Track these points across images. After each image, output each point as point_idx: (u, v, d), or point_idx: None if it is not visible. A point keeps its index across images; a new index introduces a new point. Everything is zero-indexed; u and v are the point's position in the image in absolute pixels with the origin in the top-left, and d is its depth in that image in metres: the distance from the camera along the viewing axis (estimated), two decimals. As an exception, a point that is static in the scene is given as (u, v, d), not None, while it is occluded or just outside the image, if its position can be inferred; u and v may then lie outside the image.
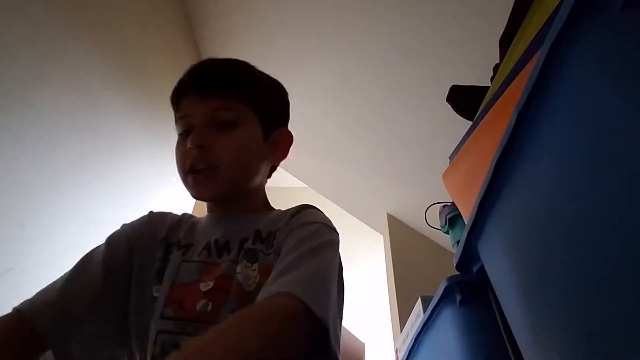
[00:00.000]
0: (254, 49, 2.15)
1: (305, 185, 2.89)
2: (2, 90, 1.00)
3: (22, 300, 0.52)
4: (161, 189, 1.87)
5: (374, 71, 1.93)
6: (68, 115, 1.26)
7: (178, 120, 0.64)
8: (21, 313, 0.48)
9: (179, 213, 0.69)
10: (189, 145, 0.58)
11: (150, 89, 1.79)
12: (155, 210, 0.67)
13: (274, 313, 0.40)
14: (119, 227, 0.63)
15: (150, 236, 0.61)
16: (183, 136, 0.62)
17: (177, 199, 2.07)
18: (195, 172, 0.59)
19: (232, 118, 0.61)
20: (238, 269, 0.54)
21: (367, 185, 2.58)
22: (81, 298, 0.52)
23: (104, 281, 0.54)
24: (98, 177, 1.42)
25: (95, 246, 0.61)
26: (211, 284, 0.53)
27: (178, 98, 0.65)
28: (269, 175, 0.72)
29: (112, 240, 0.60)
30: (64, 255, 1.23)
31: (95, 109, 1.41)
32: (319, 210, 0.63)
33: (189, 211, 2.50)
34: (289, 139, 0.70)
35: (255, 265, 0.54)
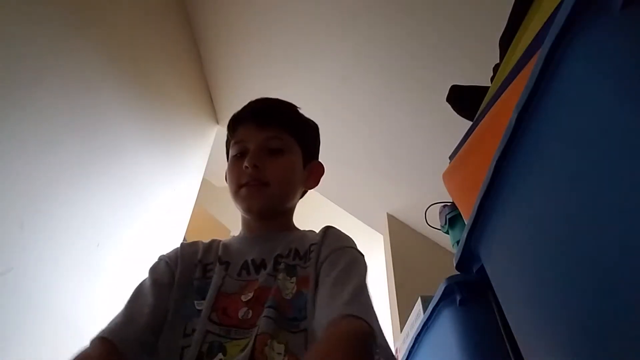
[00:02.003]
0: (254, 48, 2.15)
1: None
2: (1, 90, 1.00)
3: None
4: (161, 189, 1.87)
5: (374, 71, 1.93)
6: (68, 115, 1.26)
7: (234, 144, 0.75)
8: (104, 339, 0.55)
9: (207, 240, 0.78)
10: (245, 164, 0.69)
11: (149, 88, 1.79)
12: (185, 242, 0.76)
13: (354, 333, 0.48)
14: (156, 259, 0.71)
15: (186, 259, 0.69)
16: (237, 157, 0.73)
17: (176, 200, 2.07)
18: (248, 186, 0.69)
19: (281, 146, 0.73)
20: (279, 277, 0.62)
21: (367, 185, 2.59)
22: (142, 313, 0.59)
23: (155, 298, 0.62)
24: (98, 177, 1.42)
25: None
26: (251, 294, 0.60)
27: (236, 125, 0.77)
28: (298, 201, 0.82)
29: (153, 268, 0.68)
30: (64, 256, 1.23)
31: (94, 109, 1.41)
32: (341, 230, 0.72)
33: (186, 219, 2.48)
34: (321, 170, 0.82)
35: (294, 279, 0.62)
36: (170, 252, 0.72)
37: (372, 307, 0.55)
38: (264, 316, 0.55)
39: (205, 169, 2.48)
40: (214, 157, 2.50)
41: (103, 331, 0.56)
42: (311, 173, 0.80)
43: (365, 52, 1.87)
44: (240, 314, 0.58)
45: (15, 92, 1.04)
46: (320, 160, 0.83)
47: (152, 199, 1.77)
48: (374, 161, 2.39)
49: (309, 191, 0.81)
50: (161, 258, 0.70)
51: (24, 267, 1.08)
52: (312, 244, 0.66)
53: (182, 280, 0.65)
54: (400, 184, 2.42)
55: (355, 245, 0.68)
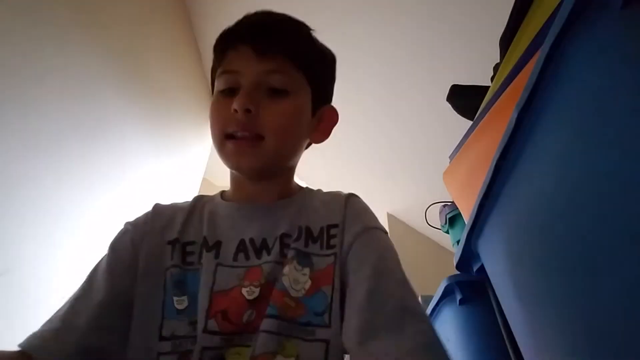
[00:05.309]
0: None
1: (305, 185, 2.89)
2: (3, 88, 1.00)
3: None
4: (163, 187, 1.87)
5: (375, 71, 1.93)
6: (68, 114, 1.26)
7: (221, 74, 0.55)
8: (24, 353, 0.43)
9: (189, 200, 0.60)
10: (234, 107, 0.50)
11: (150, 87, 1.79)
12: (160, 202, 0.59)
13: None
14: (121, 227, 0.56)
15: (155, 236, 0.53)
16: (225, 94, 0.54)
17: (178, 195, 2.07)
18: (236, 139, 0.52)
19: (285, 85, 0.54)
20: (286, 270, 0.48)
21: (367, 185, 2.58)
22: (85, 313, 0.47)
23: (107, 291, 0.49)
24: (99, 176, 1.42)
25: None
26: (256, 291, 0.47)
27: (225, 47, 0.56)
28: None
29: (115, 246, 0.54)
30: (64, 255, 1.23)
31: (95, 108, 1.41)
32: (362, 200, 0.58)
33: None
34: (335, 118, 0.64)
35: (307, 270, 0.49)
36: (139, 220, 0.56)
37: (425, 322, 0.42)
38: (262, 330, 0.44)
39: (205, 168, 2.48)
40: (214, 156, 2.50)
41: (29, 341, 0.44)
42: (321, 122, 0.62)
43: (366, 54, 1.87)
44: (245, 317, 0.46)
45: (16, 91, 1.04)
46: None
47: (153, 198, 1.77)
48: (374, 161, 2.39)
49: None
50: (126, 230, 0.55)
51: (23, 267, 1.08)
52: (332, 225, 0.52)
53: (149, 267, 0.50)
54: (400, 183, 2.42)
55: (377, 221, 0.54)
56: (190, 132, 2.26)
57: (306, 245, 0.51)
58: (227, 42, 0.57)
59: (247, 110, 0.50)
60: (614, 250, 0.34)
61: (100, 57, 1.43)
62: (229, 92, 0.54)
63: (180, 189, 2.13)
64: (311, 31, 0.60)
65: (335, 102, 0.68)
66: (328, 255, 0.50)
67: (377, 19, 1.74)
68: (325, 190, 0.65)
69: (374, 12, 1.72)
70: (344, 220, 0.53)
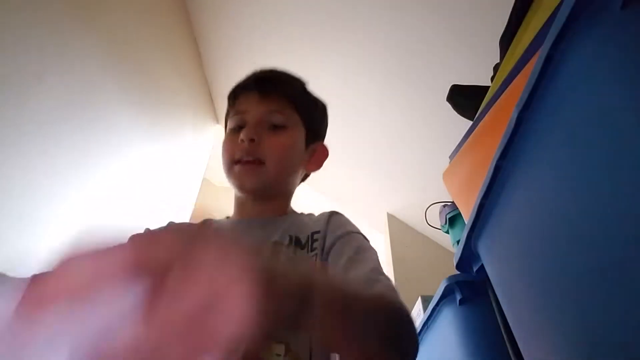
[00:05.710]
0: (255, 48, 2.15)
1: (305, 185, 2.89)
2: (3, 85, 1.00)
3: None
4: (162, 185, 1.88)
5: (375, 71, 1.93)
6: (68, 111, 1.26)
7: (232, 115, 0.69)
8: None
9: (199, 220, 0.71)
10: (241, 137, 0.63)
11: (150, 87, 1.79)
12: (174, 221, 0.70)
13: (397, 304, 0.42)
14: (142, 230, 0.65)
15: None
16: (234, 131, 0.67)
17: (178, 195, 2.07)
18: (242, 163, 0.64)
19: (283, 122, 0.67)
20: None
21: (367, 185, 2.59)
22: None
23: None
24: (98, 173, 1.42)
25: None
26: None
27: (236, 94, 0.71)
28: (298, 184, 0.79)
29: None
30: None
31: (95, 108, 1.41)
32: (345, 216, 0.68)
33: (189, 210, 2.43)
34: (325, 152, 0.78)
35: None
36: (155, 229, 0.65)
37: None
38: None
39: (205, 168, 2.49)
40: (214, 156, 2.50)
41: None
42: (313, 155, 0.75)
43: (366, 52, 1.87)
44: None
45: (17, 88, 1.05)
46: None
47: (153, 195, 1.77)
48: (374, 160, 2.39)
49: (308, 190, 0.75)
50: (145, 232, 0.64)
51: (23, 265, 1.08)
52: (315, 232, 0.61)
53: None
54: (400, 183, 2.42)
55: (359, 230, 0.63)
56: (190, 132, 2.26)
57: (294, 251, 0.60)
58: (238, 91, 0.71)
59: (252, 140, 0.63)
60: (615, 250, 0.34)
61: (100, 57, 1.43)
62: (238, 129, 0.66)
63: (180, 189, 2.13)
64: (306, 84, 0.76)
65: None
66: (311, 257, 0.58)
67: (375, 18, 1.74)
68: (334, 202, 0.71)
69: (373, 11, 1.72)
70: (326, 229, 0.61)
